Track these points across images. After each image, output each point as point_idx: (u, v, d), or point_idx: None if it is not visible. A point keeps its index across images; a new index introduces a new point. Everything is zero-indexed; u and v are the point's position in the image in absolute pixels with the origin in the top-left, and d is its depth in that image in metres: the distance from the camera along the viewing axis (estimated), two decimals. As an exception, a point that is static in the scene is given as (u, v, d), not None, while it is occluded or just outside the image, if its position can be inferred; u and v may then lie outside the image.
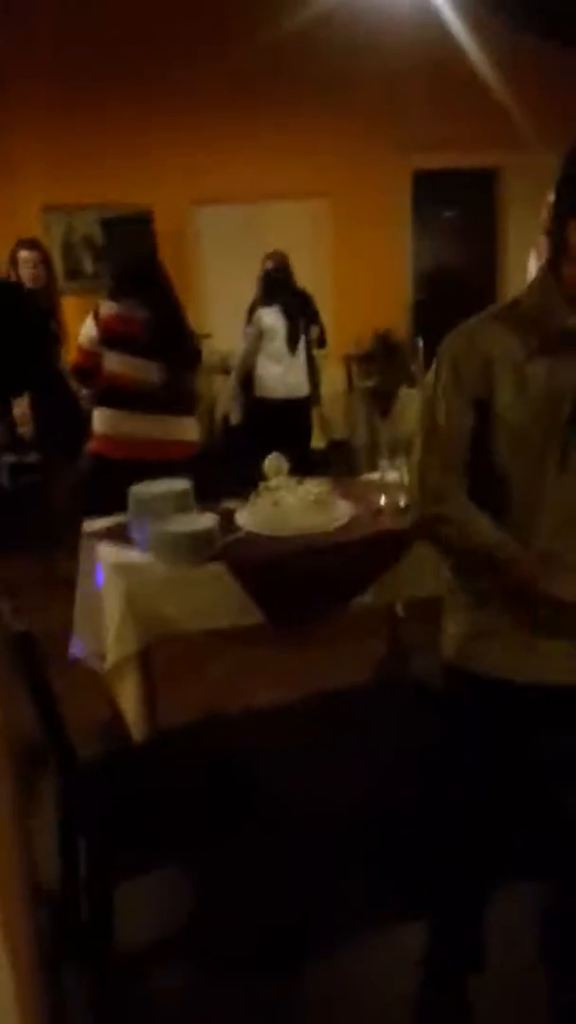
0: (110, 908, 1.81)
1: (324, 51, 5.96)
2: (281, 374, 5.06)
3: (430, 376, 1.56)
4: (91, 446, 3.72)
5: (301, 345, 5.08)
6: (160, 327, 3.57)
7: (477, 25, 5.97)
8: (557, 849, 1.94)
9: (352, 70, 6.10)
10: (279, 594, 2.53)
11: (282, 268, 5.17)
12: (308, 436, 5.36)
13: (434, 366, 1.55)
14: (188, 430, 3.76)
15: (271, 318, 5.02)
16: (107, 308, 3.57)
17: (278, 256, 5.26)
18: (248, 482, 2.89)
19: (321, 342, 5.35)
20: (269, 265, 5.22)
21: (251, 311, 5.14)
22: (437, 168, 6.84)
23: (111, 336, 3.54)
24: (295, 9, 5.57)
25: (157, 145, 5.99)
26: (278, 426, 4.98)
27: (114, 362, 3.55)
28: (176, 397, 3.67)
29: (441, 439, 1.53)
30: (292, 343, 5.04)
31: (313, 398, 5.29)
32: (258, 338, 5.04)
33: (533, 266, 4.81)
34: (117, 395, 3.57)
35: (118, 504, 2.77)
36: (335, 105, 6.22)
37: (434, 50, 5.95)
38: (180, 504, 2.67)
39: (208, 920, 2.14)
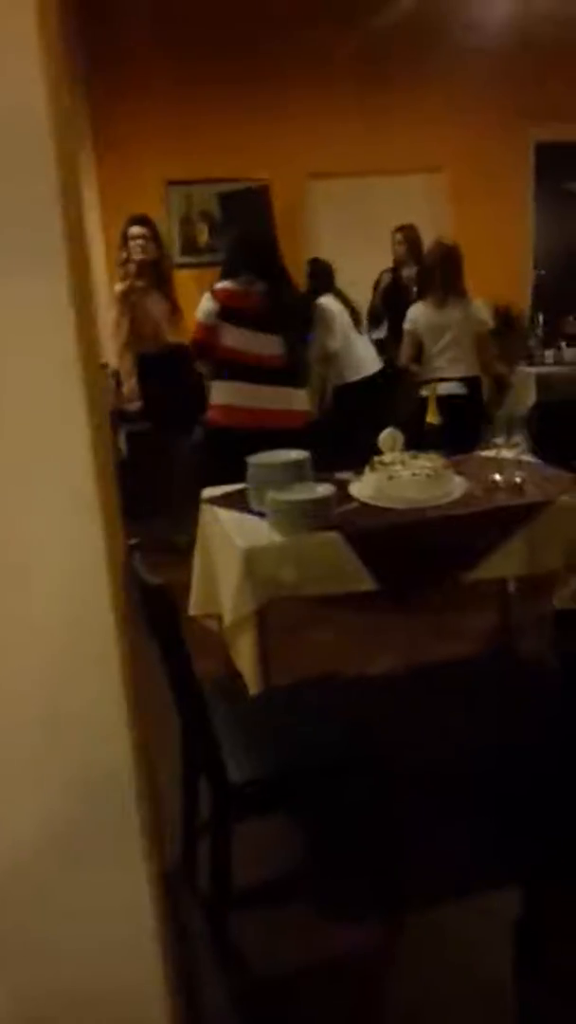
0: (228, 848, 1.93)
1: (438, 23, 5.86)
2: None
3: None
4: (209, 416, 3.85)
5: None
6: (278, 300, 3.66)
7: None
8: None
9: (467, 40, 5.99)
10: (392, 563, 2.60)
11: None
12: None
13: None
14: (302, 400, 3.86)
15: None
16: (224, 283, 3.68)
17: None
18: (364, 454, 2.96)
19: None
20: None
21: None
22: (560, 140, 6.68)
23: (230, 310, 3.64)
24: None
25: (275, 120, 6.04)
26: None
27: (233, 336, 3.65)
28: (292, 369, 3.76)
29: None
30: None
31: None
32: None
33: None
34: (235, 368, 3.68)
35: (235, 473, 2.89)
36: (450, 76, 6.13)
37: (550, 14, 5.76)
38: (297, 473, 2.76)
39: (321, 865, 2.27)
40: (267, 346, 3.65)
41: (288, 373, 3.73)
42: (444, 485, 2.79)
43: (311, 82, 6.02)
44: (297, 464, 2.79)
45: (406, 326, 4.60)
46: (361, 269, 5.71)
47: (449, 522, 2.64)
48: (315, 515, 2.56)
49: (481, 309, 4.54)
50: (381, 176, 6.29)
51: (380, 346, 5.38)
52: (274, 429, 3.53)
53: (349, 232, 6.10)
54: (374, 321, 5.72)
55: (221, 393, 3.76)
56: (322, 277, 5.16)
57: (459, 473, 2.91)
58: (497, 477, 2.85)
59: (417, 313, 4.54)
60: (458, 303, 4.45)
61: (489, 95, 6.28)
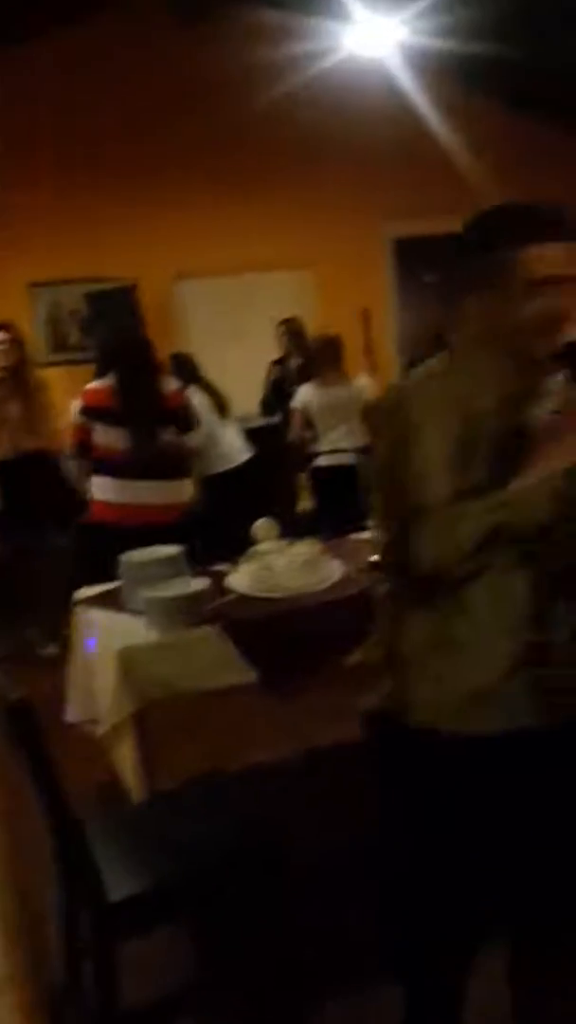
0: (113, 969, 1.81)
1: (298, 126, 6.21)
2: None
3: None
4: (92, 512, 3.84)
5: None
6: (133, 396, 3.69)
7: (443, 95, 6.30)
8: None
9: (325, 144, 6.37)
10: (272, 653, 2.58)
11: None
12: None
13: None
14: (181, 492, 3.87)
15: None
16: (95, 383, 3.73)
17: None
18: (239, 546, 2.96)
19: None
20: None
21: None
22: (415, 235, 7.09)
23: (99, 409, 3.67)
24: (269, 86, 5.82)
25: (142, 219, 6.19)
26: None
27: (106, 434, 3.67)
28: (171, 461, 3.78)
29: None
30: None
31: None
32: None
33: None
34: (111, 465, 3.68)
35: (109, 573, 2.84)
36: (311, 178, 6.47)
37: (403, 121, 6.22)
38: (172, 569, 2.73)
39: (212, 975, 2.16)
40: (126, 441, 3.67)
41: (167, 466, 3.75)
42: (320, 571, 2.81)
43: (177, 183, 6.22)
44: (171, 560, 2.76)
45: (293, 405, 4.92)
46: (239, 362, 5.86)
47: (327, 607, 2.65)
48: (191, 610, 2.53)
49: (366, 387, 4.79)
50: (251, 273, 6.50)
51: (275, 430, 5.54)
52: (156, 524, 3.52)
53: (222, 328, 6.26)
54: (267, 409, 5.87)
55: (100, 490, 3.75)
56: (184, 371, 5.25)
57: (335, 557, 2.93)
58: (373, 558, 2.89)
59: (305, 394, 4.88)
60: (343, 382, 4.83)
61: (349, 195, 6.63)
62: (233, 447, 5.17)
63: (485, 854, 1.52)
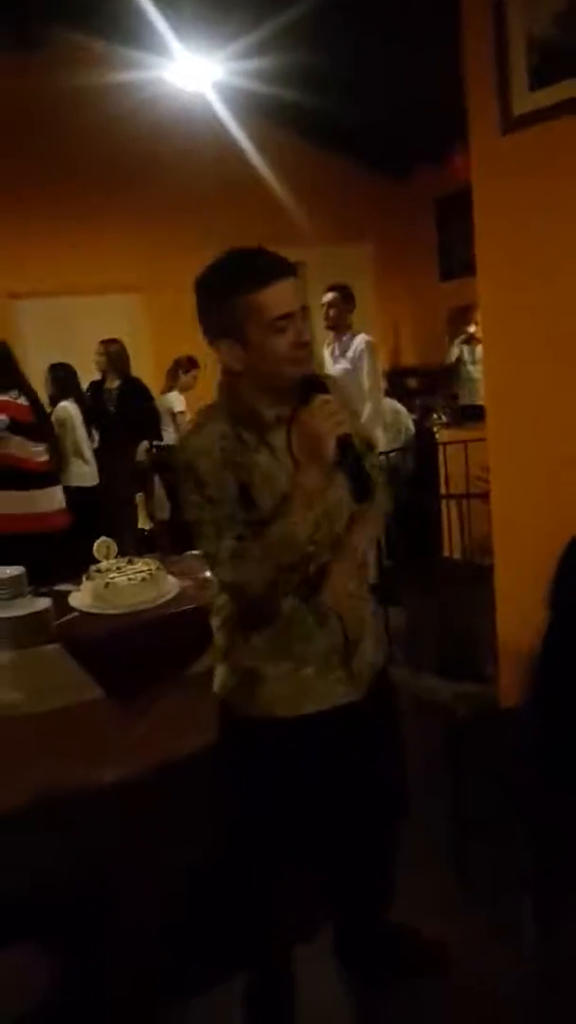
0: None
1: (128, 154, 6.37)
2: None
3: None
4: None
5: None
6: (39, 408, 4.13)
7: (257, 131, 6.67)
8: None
9: (154, 171, 6.55)
10: (115, 669, 2.67)
11: None
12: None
13: None
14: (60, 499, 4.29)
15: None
16: None
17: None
18: (81, 564, 3.04)
19: None
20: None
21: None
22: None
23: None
24: (99, 113, 5.96)
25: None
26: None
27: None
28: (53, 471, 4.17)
29: None
30: None
31: None
32: None
33: (327, 358, 5.33)
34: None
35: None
36: (140, 204, 6.64)
37: (225, 154, 6.54)
38: (12, 590, 2.78)
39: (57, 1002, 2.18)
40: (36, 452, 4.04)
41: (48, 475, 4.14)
42: (159, 587, 2.92)
43: (10, 206, 6.20)
44: (12, 581, 2.80)
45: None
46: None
47: (165, 621, 2.77)
48: (34, 630, 2.59)
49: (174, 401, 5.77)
50: (82, 296, 6.55)
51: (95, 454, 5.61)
52: (40, 531, 3.87)
53: (54, 349, 6.23)
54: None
55: None
56: (64, 382, 5.26)
57: (174, 574, 3.06)
58: (208, 573, 3.04)
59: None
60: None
61: (176, 222, 6.80)
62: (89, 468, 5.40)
63: (313, 810, 1.84)
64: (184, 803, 2.99)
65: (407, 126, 6.82)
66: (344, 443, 1.57)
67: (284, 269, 1.59)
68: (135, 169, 6.48)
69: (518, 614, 2.80)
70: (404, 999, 2.08)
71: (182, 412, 5.86)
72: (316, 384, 1.61)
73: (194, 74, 5.80)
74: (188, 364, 6.01)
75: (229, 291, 1.60)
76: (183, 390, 6.03)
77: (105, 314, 6.54)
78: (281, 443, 1.65)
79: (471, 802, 2.44)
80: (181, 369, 6.03)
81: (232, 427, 1.64)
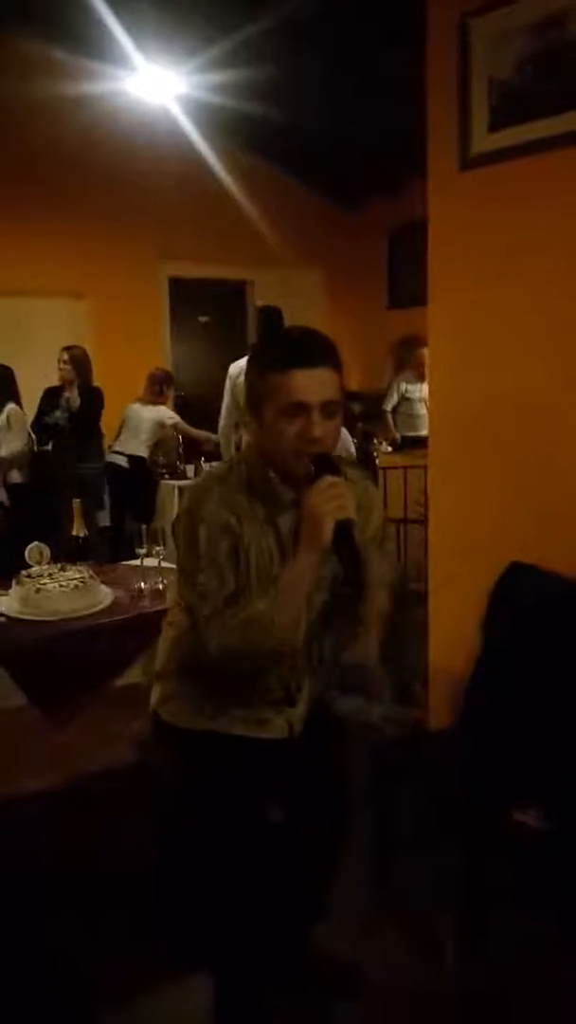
0: None
1: (83, 161, 6.34)
2: None
3: None
4: None
5: None
6: None
7: (218, 146, 6.69)
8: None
9: (110, 180, 6.52)
10: (42, 677, 2.61)
11: None
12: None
13: None
14: None
15: None
16: None
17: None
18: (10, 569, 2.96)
19: None
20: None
21: None
22: (191, 276, 7.38)
23: None
24: (55, 120, 5.92)
25: None
26: None
27: None
28: None
29: None
30: None
31: None
32: None
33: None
34: None
35: None
36: (92, 211, 6.56)
37: (184, 168, 6.56)
38: None
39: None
40: None
41: None
42: (92, 595, 2.87)
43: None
44: None
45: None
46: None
47: (96, 631, 2.72)
48: (-42, 634, 2.51)
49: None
50: (28, 298, 6.44)
51: (44, 457, 5.58)
52: None
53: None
54: (39, 438, 5.71)
55: None
56: (2, 383, 5.16)
57: (106, 583, 3.01)
58: (142, 584, 3.00)
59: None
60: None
61: (129, 231, 6.80)
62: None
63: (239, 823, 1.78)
64: (107, 814, 2.94)
65: (361, 158, 6.94)
66: (343, 528, 1.53)
67: (314, 359, 1.58)
68: (90, 177, 6.44)
69: (451, 638, 2.82)
70: (324, 1016, 2.06)
71: (175, 423, 6.14)
72: (328, 464, 1.58)
73: (156, 86, 5.78)
74: (166, 379, 6.27)
75: (261, 366, 1.62)
76: (165, 403, 6.35)
77: (49, 319, 6.46)
78: (287, 527, 1.65)
79: (396, 822, 2.44)
80: (164, 385, 6.25)
81: (247, 499, 1.63)
